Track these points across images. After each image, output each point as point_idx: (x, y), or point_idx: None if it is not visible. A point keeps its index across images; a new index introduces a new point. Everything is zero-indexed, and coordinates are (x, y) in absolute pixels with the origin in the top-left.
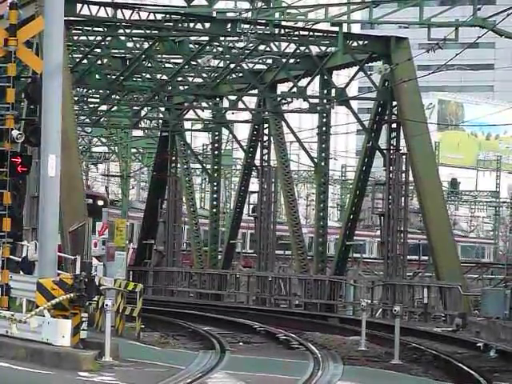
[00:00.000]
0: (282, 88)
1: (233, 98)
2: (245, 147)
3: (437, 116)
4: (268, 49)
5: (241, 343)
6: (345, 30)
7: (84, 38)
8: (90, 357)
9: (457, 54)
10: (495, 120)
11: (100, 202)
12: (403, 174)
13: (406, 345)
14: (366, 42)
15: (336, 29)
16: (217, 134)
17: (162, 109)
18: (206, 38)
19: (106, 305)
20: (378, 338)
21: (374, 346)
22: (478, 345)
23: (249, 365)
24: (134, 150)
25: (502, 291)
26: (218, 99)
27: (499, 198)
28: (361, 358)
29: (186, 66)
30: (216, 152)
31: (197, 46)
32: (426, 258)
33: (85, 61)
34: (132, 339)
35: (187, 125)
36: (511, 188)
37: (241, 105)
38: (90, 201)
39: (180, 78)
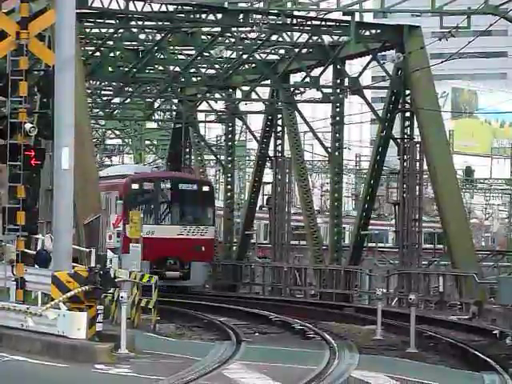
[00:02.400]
0: (295, 78)
1: (246, 88)
2: (258, 138)
3: (450, 104)
4: (280, 39)
5: (256, 334)
6: (357, 19)
7: (96, 30)
8: (106, 349)
9: (469, 42)
10: (509, 107)
11: (205, 188)
12: (417, 163)
13: (422, 333)
14: (378, 30)
15: (348, 18)
16: (230, 125)
17: (175, 100)
18: (219, 29)
19: (122, 297)
20: (394, 327)
21: (389, 335)
22: (494, 332)
23: (265, 355)
24: (147, 142)
25: None
26: (230, 90)
27: None
28: (377, 347)
29: (199, 58)
30: (230, 143)
31: (209, 37)
32: (441, 246)
33: (97, 53)
34: (148, 331)
35: (200, 116)
36: None
37: (254, 96)
38: (195, 187)
39: (193, 70)
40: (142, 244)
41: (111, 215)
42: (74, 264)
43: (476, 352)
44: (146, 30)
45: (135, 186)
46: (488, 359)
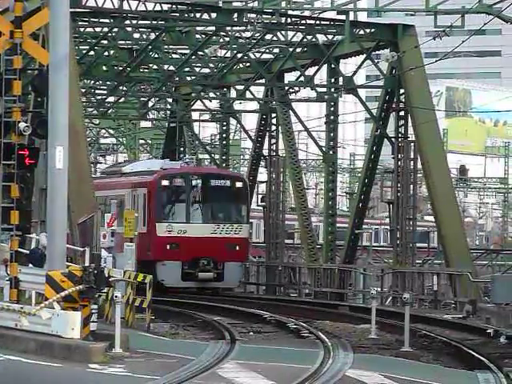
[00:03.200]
0: (290, 77)
1: (240, 87)
2: (253, 137)
3: (444, 103)
4: (275, 38)
5: (251, 333)
6: (351, 18)
7: (90, 29)
8: (100, 349)
9: (463, 41)
10: (503, 106)
11: (238, 184)
12: (411, 162)
13: (417, 332)
14: (372, 29)
15: (343, 17)
16: (225, 124)
17: (170, 100)
18: (213, 28)
19: (116, 296)
20: (388, 326)
21: (384, 334)
22: (488, 331)
23: (259, 354)
24: (142, 142)
25: (511, 277)
26: (225, 89)
27: (508, 185)
28: (371, 346)
29: (193, 57)
30: (224, 142)
31: (203, 36)
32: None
33: (91, 52)
34: (142, 330)
35: (195, 115)
36: None
37: (248, 95)
38: (228, 183)
39: (187, 69)
40: (175, 244)
41: (139, 214)
42: (68, 263)
43: (470, 351)
44: (141, 29)
45: (165, 183)
46: (482, 358)
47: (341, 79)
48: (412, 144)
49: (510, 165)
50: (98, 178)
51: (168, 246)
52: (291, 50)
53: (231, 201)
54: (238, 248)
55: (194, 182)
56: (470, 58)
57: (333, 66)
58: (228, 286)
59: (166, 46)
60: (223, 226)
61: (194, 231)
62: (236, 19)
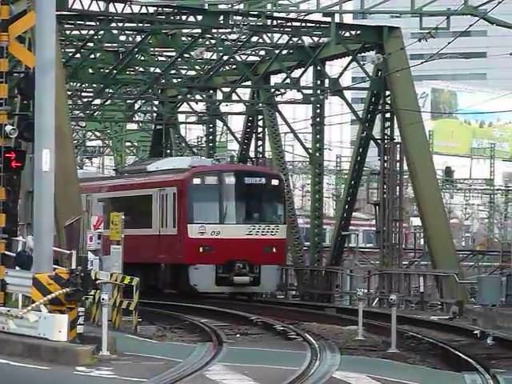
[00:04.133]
0: (276, 79)
1: (226, 90)
2: (239, 139)
3: (430, 105)
4: (261, 40)
5: (238, 335)
6: (337, 20)
7: (76, 32)
8: (87, 351)
9: (449, 43)
10: (488, 108)
11: (274, 182)
12: (397, 164)
13: (403, 333)
14: (358, 32)
15: (328, 19)
16: (211, 126)
17: (156, 102)
18: (199, 31)
19: (103, 299)
20: (375, 328)
21: (371, 336)
22: (475, 332)
23: (246, 356)
24: (128, 144)
25: (497, 278)
26: (211, 91)
27: (493, 186)
28: (358, 348)
29: (179, 59)
30: (211, 144)
31: (189, 38)
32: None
33: (78, 55)
34: (129, 333)
35: (181, 117)
36: (505, 175)
37: (234, 97)
38: (263, 180)
39: (173, 71)
40: (209, 246)
41: (167, 215)
42: (55, 266)
43: (457, 352)
44: (127, 32)
45: (197, 181)
46: (469, 359)
47: (327, 81)
48: (398, 146)
49: (495, 166)
50: (117, 177)
51: (201, 249)
52: (277, 52)
53: (267, 199)
54: (274, 250)
55: (227, 180)
56: (455, 59)
57: (319, 67)
58: (265, 290)
59: (152, 49)
60: (259, 226)
61: (228, 232)
62: (222, 21)
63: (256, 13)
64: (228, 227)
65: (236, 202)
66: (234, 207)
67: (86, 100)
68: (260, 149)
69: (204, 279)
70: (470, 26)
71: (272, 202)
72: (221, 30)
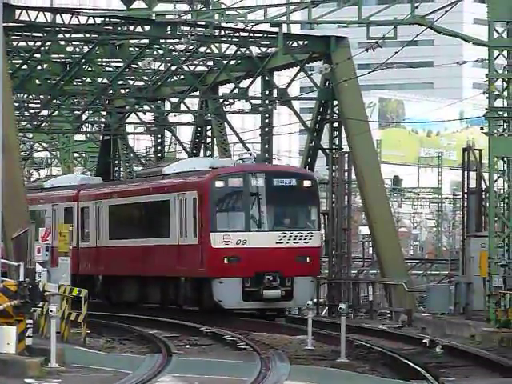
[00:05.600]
0: (224, 89)
1: (175, 100)
2: (188, 149)
3: (378, 114)
4: (209, 50)
5: (188, 346)
6: (284, 30)
7: (23, 43)
8: (36, 363)
9: (396, 52)
10: (436, 117)
11: (307, 183)
12: (346, 173)
13: (353, 342)
14: (305, 42)
15: (276, 29)
16: (159, 136)
17: (104, 113)
18: (146, 41)
19: (51, 311)
20: (325, 337)
21: (320, 345)
22: (424, 341)
23: (196, 367)
24: (76, 155)
25: (446, 287)
26: (159, 102)
27: (441, 195)
28: (307, 357)
29: (127, 70)
30: (159, 155)
31: (137, 49)
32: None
33: (25, 66)
34: (78, 345)
35: (129, 128)
36: (453, 184)
37: (183, 107)
38: (294, 181)
39: (121, 82)
40: (234, 257)
41: (187, 223)
42: (3, 278)
43: (406, 361)
44: (74, 43)
45: (220, 184)
46: (418, 368)
47: (275, 91)
48: (346, 155)
49: (443, 175)
50: (130, 182)
51: (225, 260)
52: (225, 62)
53: (299, 203)
54: (308, 260)
55: (253, 183)
56: (402, 69)
57: (267, 78)
58: (298, 305)
59: (99, 59)
60: (290, 233)
61: (255, 241)
62: (169, 32)
63: (203, 23)
64: (255, 235)
65: (264, 206)
66: (261, 212)
67: (33, 111)
68: None
69: (229, 294)
70: (417, 35)
71: (305, 206)
72: (168, 41)
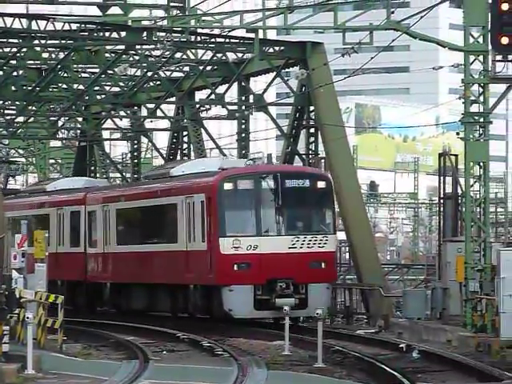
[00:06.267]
0: (200, 95)
1: (151, 106)
2: (164, 155)
3: (354, 119)
4: (185, 56)
5: (164, 352)
6: (261, 36)
7: None
8: (13, 370)
9: (372, 58)
10: (412, 122)
11: (321, 184)
12: None
13: (330, 348)
14: (282, 47)
15: (252, 35)
16: (136, 142)
17: (80, 119)
18: (122, 47)
19: (27, 317)
20: (302, 342)
21: (297, 350)
22: (401, 346)
23: (173, 373)
24: (52, 161)
25: (422, 292)
26: (136, 108)
27: (418, 200)
28: (284, 363)
29: (103, 76)
30: (135, 161)
31: (113, 54)
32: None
33: (0, 73)
34: (54, 351)
35: (105, 134)
36: (429, 189)
37: (159, 113)
38: (307, 182)
39: (97, 88)
40: (245, 263)
41: (195, 227)
42: None
43: (383, 366)
44: (49, 49)
45: (228, 186)
46: (395, 373)
47: (251, 97)
48: (322, 160)
49: (419, 180)
50: (138, 184)
51: (235, 267)
52: (201, 68)
53: (313, 205)
54: (323, 265)
55: (264, 184)
56: (378, 74)
57: (243, 83)
58: (313, 314)
59: (75, 65)
60: (304, 238)
61: (267, 246)
62: (145, 38)
63: (179, 29)
64: (267, 240)
65: (276, 209)
66: (273, 216)
67: (8, 117)
68: None
69: (240, 303)
70: (393, 40)
71: (319, 209)
72: (144, 47)
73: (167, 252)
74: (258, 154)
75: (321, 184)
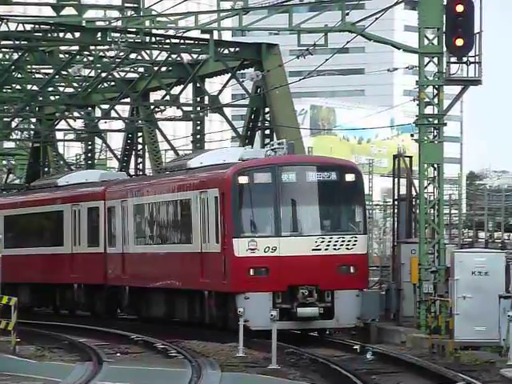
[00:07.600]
0: (155, 96)
1: (105, 107)
2: (119, 156)
3: (309, 121)
4: (139, 57)
5: (118, 354)
6: (216, 37)
7: None
8: None
9: (326, 60)
10: (367, 124)
11: (349, 177)
12: None
13: (284, 349)
14: (237, 49)
15: (207, 36)
16: (90, 143)
17: (34, 120)
18: (77, 48)
19: None
20: (256, 344)
21: (251, 352)
22: (355, 347)
23: (127, 375)
24: (5, 162)
25: (377, 293)
26: (90, 109)
27: (372, 201)
28: (239, 365)
29: (57, 76)
30: (89, 162)
31: (67, 55)
32: None
33: None
34: (8, 353)
35: (59, 135)
36: (384, 191)
37: (113, 114)
38: (334, 175)
39: (51, 89)
40: (262, 267)
41: (209, 226)
42: None
43: (337, 367)
44: (3, 49)
45: (243, 180)
46: (349, 374)
47: (206, 98)
48: None
49: (373, 182)
50: (153, 177)
51: (251, 272)
52: (156, 69)
53: (341, 201)
54: (352, 270)
55: (284, 177)
56: (333, 76)
57: (198, 84)
58: (342, 325)
59: (29, 66)
60: (330, 238)
61: (288, 248)
62: (100, 38)
63: (134, 30)
64: (288, 241)
65: (298, 206)
66: (294, 213)
67: None
68: (140, 166)
69: (257, 312)
70: (348, 42)
71: (347, 205)
72: (99, 47)
73: (183, 254)
74: (280, 143)
75: (349, 177)
